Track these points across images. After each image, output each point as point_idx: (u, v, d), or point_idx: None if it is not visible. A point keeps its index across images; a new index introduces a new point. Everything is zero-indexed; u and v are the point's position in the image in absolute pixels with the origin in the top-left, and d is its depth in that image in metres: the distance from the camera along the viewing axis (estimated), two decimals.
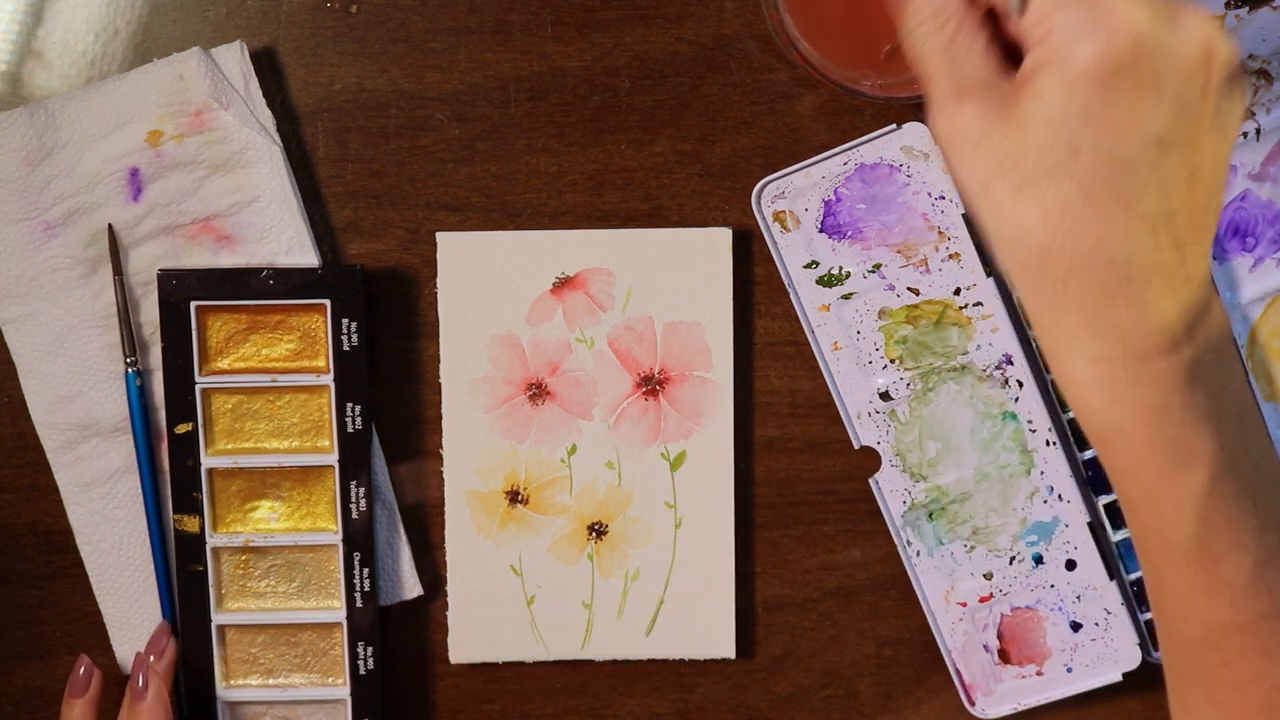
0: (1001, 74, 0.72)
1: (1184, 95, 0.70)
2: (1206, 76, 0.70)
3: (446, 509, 0.95)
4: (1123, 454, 0.74)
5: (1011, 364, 0.95)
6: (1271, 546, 0.74)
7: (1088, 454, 0.95)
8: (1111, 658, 0.96)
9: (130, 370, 0.94)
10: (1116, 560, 0.96)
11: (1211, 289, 0.73)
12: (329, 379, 0.94)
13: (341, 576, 0.95)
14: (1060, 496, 0.96)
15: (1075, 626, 0.96)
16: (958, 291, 0.95)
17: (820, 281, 0.95)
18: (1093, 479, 0.95)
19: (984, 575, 0.96)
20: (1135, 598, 0.96)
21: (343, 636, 0.96)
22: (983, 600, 0.96)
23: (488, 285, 0.95)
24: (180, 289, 0.94)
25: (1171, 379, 0.72)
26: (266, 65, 0.94)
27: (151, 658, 0.94)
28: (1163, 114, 0.70)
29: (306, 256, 0.94)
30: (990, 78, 0.71)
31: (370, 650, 0.95)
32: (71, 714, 0.93)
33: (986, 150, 0.71)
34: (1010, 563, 0.96)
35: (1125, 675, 0.96)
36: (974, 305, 0.95)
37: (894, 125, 0.94)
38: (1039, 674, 0.96)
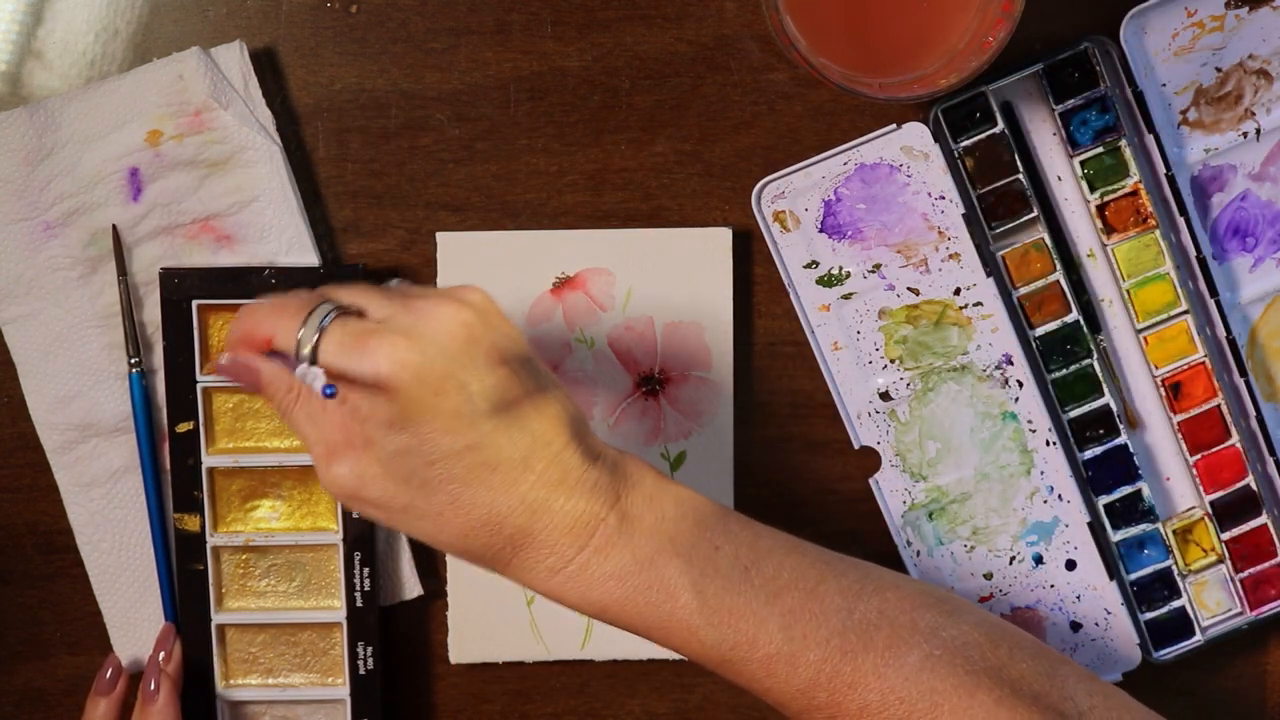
0: (347, 421, 0.81)
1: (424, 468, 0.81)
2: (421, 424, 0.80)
3: None
4: (620, 618, 0.81)
5: (1011, 364, 0.95)
6: (789, 607, 0.81)
7: (1088, 454, 0.95)
8: (1111, 658, 0.96)
9: (134, 370, 0.94)
10: (1116, 560, 0.96)
11: (607, 460, 0.81)
12: None
13: (342, 576, 0.95)
14: (1060, 496, 0.96)
15: (1075, 626, 0.96)
16: (958, 291, 0.95)
17: (820, 281, 0.95)
18: (1093, 479, 0.95)
19: (984, 575, 0.96)
20: (1135, 598, 0.96)
21: (343, 636, 0.96)
22: (983, 600, 0.96)
23: (488, 285, 0.94)
24: (182, 288, 0.94)
25: (613, 543, 0.80)
26: (266, 65, 0.94)
27: (161, 657, 0.94)
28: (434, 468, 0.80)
29: (306, 256, 0.94)
30: (349, 434, 0.80)
31: (370, 650, 0.95)
32: (95, 712, 0.94)
33: (372, 492, 0.80)
34: (1010, 563, 0.96)
35: (1125, 675, 0.96)
36: (974, 305, 0.95)
37: (894, 125, 0.94)
38: None
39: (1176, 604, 0.96)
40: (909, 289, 0.95)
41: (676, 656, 0.96)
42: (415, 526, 0.80)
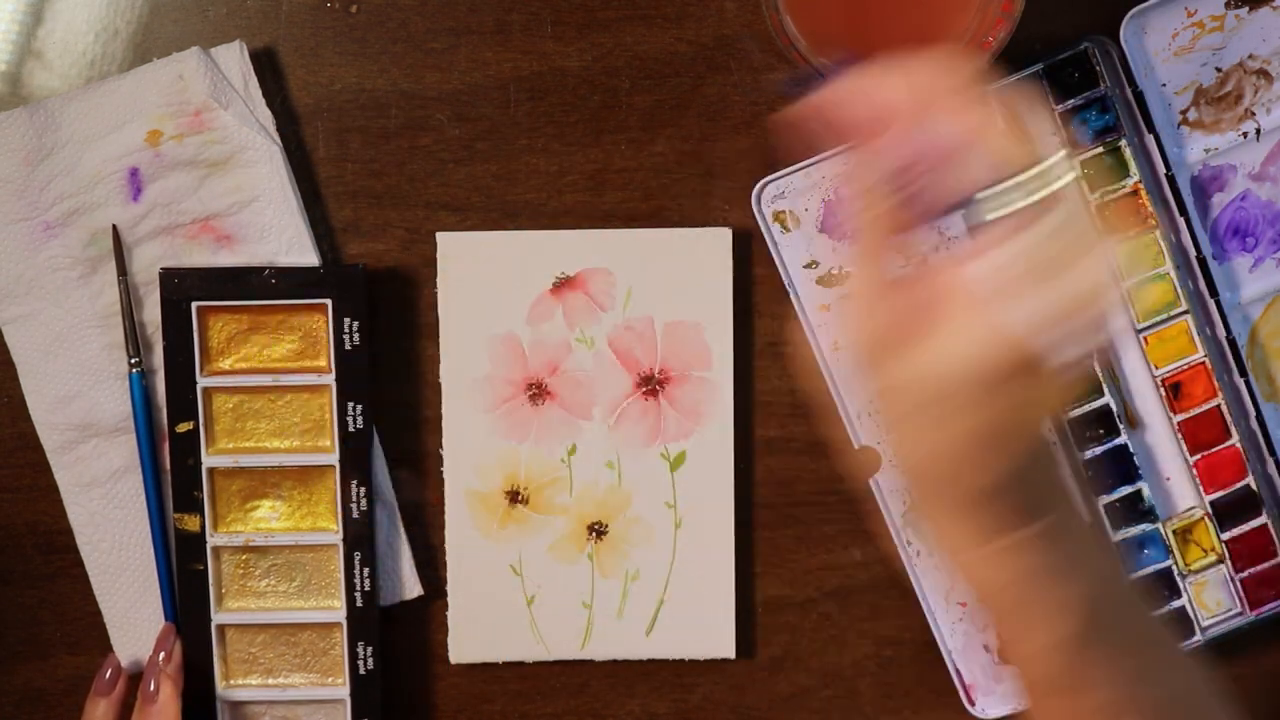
0: (917, 299, 0.74)
1: (1060, 376, 0.74)
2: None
3: (446, 509, 0.95)
4: (999, 607, 0.77)
5: None
6: (1137, 667, 0.77)
7: (1088, 454, 0.95)
8: None
9: (134, 370, 0.94)
10: None
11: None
12: (330, 378, 0.94)
13: (341, 576, 0.95)
14: None
15: None
16: None
17: (820, 281, 0.95)
18: (1093, 479, 0.95)
19: None
20: None
21: (343, 636, 0.96)
22: None
23: (488, 285, 0.95)
24: (182, 288, 0.94)
25: (1035, 544, 0.75)
26: (266, 65, 0.94)
27: (161, 657, 0.94)
28: (1042, 387, 0.73)
29: (306, 256, 0.94)
30: (912, 300, 0.73)
31: (370, 650, 0.95)
32: (95, 712, 0.94)
33: (885, 367, 0.73)
34: None
35: None
36: None
37: None
38: None
39: (1176, 604, 0.96)
40: None
41: (676, 656, 0.96)
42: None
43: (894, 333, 0.74)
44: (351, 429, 0.94)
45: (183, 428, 0.95)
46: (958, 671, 0.96)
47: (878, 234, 0.74)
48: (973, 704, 0.96)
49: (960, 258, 0.72)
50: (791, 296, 0.95)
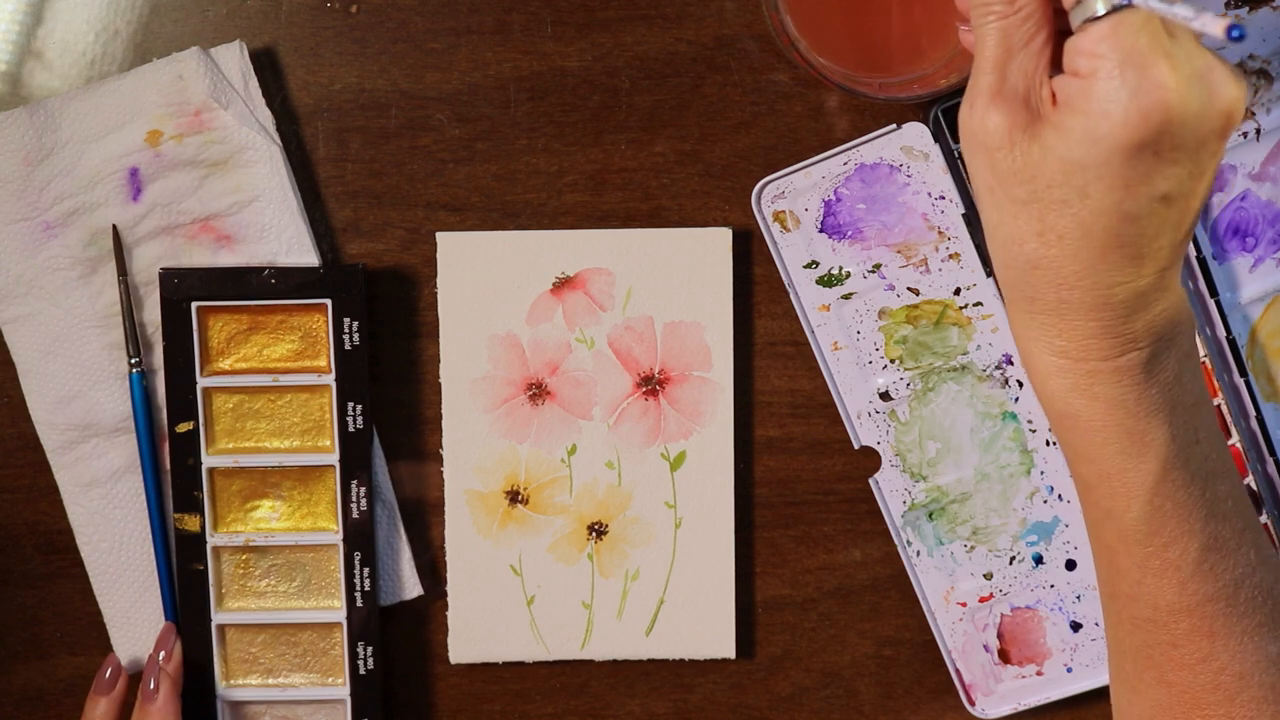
0: (1044, 82, 0.73)
1: (1198, 159, 0.72)
2: (1221, 140, 0.72)
3: (446, 509, 0.96)
4: (1079, 438, 0.76)
5: (1011, 364, 0.95)
6: (1216, 533, 0.76)
7: None
8: None
9: (134, 370, 0.94)
10: None
11: (1182, 293, 0.76)
12: (330, 378, 0.94)
13: (342, 576, 0.95)
14: (1060, 496, 0.96)
15: (1075, 626, 0.96)
16: (958, 291, 0.95)
17: (820, 281, 0.95)
18: None
19: (984, 575, 0.96)
20: None
21: (343, 636, 0.96)
22: (983, 600, 0.96)
23: (488, 285, 0.95)
24: (182, 288, 0.94)
25: (1131, 374, 0.75)
26: (266, 65, 0.94)
27: (161, 656, 0.94)
28: (1175, 176, 0.72)
29: (306, 256, 0.94)
30: (1031, 86, 0.73)
31: (370, 650, 0.95)
32: (95, 711, 0.94)
33: (1003, 159, 0.73)
34: (1010, 563, 0.96)
35: None
36: (974, 305, 0.95)
37: (894, 125, 0.94)
38: (1039, 674, 0.96)
39: None
40: (909, 289, 0.95)
41: (676, 656, 0.96)
42: (987, 202, 0.74)
43: (1022, 101, 0.72)
44: (351, 429, 0.95)
45: (183, 428, 0.95)
46: (957, 671, 0.96)
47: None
48: (972, 704, 0.96)
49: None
50: (791, 296, 0.95)
